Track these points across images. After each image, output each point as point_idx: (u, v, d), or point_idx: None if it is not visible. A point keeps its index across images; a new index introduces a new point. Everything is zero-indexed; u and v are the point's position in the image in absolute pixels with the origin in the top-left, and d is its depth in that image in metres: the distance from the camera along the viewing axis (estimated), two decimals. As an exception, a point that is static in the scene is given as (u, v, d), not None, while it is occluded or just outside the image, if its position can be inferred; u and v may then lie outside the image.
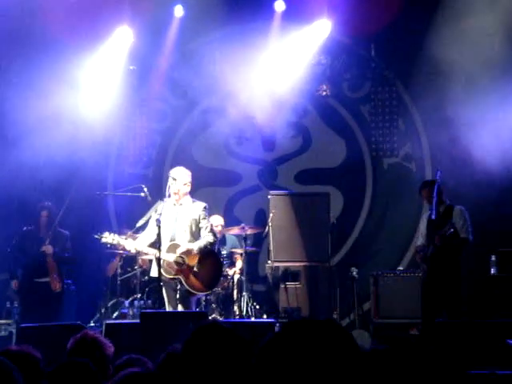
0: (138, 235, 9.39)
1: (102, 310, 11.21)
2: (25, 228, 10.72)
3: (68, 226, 10.81)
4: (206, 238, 8.93)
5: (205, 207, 9.07)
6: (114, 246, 9.53)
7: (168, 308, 8.87)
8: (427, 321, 9.29)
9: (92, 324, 10.90)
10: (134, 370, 3.48)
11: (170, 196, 8.99)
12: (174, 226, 8.94)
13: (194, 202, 9.09)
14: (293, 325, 2.16)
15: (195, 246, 8.87)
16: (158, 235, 8.69)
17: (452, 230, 9.37)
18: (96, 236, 9.18)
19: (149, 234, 8.99)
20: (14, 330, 10.42)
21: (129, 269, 11.40)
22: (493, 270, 10.53)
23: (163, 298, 8.98)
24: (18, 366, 3.48)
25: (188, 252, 8.83)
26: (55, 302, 10.50)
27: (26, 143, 11.06)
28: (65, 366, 3.72)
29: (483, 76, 11.20)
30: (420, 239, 9.75)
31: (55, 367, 3.71)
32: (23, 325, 9.28)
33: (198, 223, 8.99)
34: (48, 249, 10.42)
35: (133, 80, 12.61)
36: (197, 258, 8.84)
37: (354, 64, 12.66)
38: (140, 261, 10.77)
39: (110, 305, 11.20)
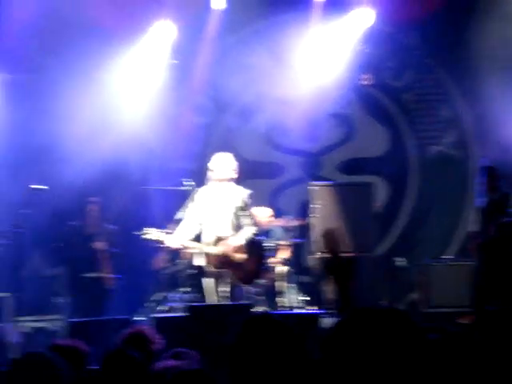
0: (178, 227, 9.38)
1: (149, 304, 11.26)
2: (72, 223, 10.84)
3: (114, 220, 10.90)
4: (249, 229, 8.90)
5: (250, 194, 9.02)
6: (157, 242, 9.55)
7: (212, 301, 8.85)
8: (480, 310, 9.19)
9: (139, 318, 10.95)
10: (173, 363, 3.50)
11: (208, 181, 8.97)
12: (217, 214, 8.91)
13: (238, 188, 9.06)
14: (357, 313, 2.14)
15: (242, 240, 8.85)
16: (202, 228, 8.71)
17: (509, 219, 9.23)
18: (138, 233, 9.22)
19: (188, 226, 8.94)
20: (63, 325, 10.54)
21: (175, 262, 11.44)
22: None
23: (207, 291, 8.97)
24: (66, 360, 3.52)
25: (236, 247, 8.83)
26: (104, 296, 10.62)
27: (73, 145, 11.18)
28: (113, 358, 3.74)
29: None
30: (473, 226, 9.63)
31: (104, 359, 3.74)
32: (72, 319, 9.40)
33: (241, 211, 8.96)
34: (99, 245, 10.53)
35: (175, 74, 12.64)
36: (241, 250, 8.83)
37: (396, 52, 12.56)
38: (185, 254, 10.79)
39: (157, 299, 11.26)
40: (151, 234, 9.00)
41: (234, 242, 8.80)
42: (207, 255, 8.76)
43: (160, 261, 11.53)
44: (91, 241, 10.64)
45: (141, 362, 3.81)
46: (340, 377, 2.06)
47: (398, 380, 2.03)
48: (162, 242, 9.36)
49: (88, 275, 10.45)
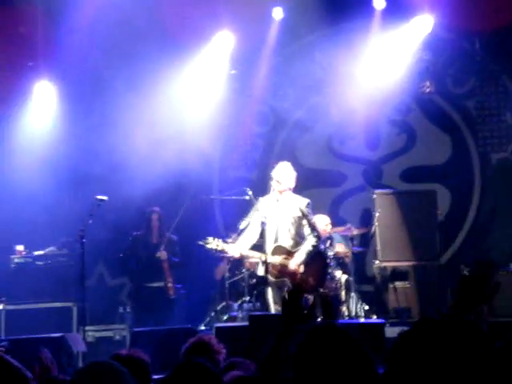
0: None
1: (212, 314, 11.31)
2: (135, 233, 10.97)
3: (176, 230, 10.98)
4: (310, 240, 8.89)
5: (308, 203, 9.00)
6: (219, 252, 9.59)
7: (274, 310, 8.86)
8: None
9: (202, 327, 11.00)
10: (237, 374, 3.49)
11: (272, 191, 8.99)
12: (278, 223, 8.92)
13: (296, 197, 9.05)
14: (423, 323, 2.11)
15: (303, 256, 8.83)
16: (264, 238, 8.73)
17: None
18: (200, 242, 9.26)
19: (251, 235, 8.98)
20: (127, 335, 10.64)
21: (237, 272, 11.47)
22: None
23: (269, 300, 8.98)
24: (128, 370, 3.53)
25: (299, 265, 8.83)
26: (168, 306, 10.70)
27: (135, 155, 11.33)
28: (184, 367, 3.74)
29: None
30: None
31: (174, 368, 3.74)
32: (136, 329, 9.47)
33: (301, 220, 8.94)
34: (163, 254, 10.64)
35: (234, 84, 12.70)
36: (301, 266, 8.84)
37: (457, 59, 12.41)
38: (247, 263, 10.83)
39: (219, 308, 11.30)
40: (213, 243, 9.04)
41: (295, 263, 8.81)
42: (267, 265, 8.76)
43: (222, 271, 11.57)
44: (154, 251, 10.74)
45: (214, 371, 3.80)
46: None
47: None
48: (223, 252, 9.40)
49: (151, 285, 10.54)
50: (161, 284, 10.68)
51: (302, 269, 8.85)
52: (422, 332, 2.10)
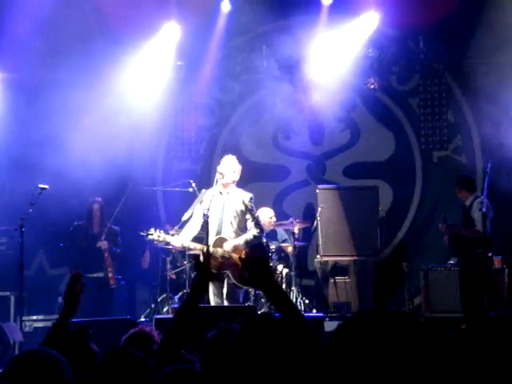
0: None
1: (152, 305, 11.27)
2: (76, 223, 10.86)
3: (119, 221, 10.91)
4: (252, 231, 8.90)
5: (251, 198, 9.00)
6: (161, 243, 9.56)
7: (213, 303, 8.85)
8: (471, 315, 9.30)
9: (142, 319, 10.96)
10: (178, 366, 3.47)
11: (216, 183, 8.98)
12: (221, 216, 8.91)
13: (240, 191, 9.05)
14: (364, 315, 2.12)
15: (241, 241, 8.84)
16: (206, 230, 8.71)
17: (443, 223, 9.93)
18: (142, 233, 9.24)
19: (193, 227, 8.96)
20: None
21: (178, 264, 11.45)
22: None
23: (209, 293, 8.96)
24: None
25: (235, 247, 8.82)
26: (108, 296, 10.62)
27: (79, 145, 11.21)
28: (113, 355, 3.72)
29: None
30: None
31: (106, 356, 3.72)
32: (75, 320, 9.38)
33: (244, 214, 8.95)
34: (104, 244, 10.56)
35: (181, 76, 12.67)
36: (243, 252, 8.82)
37: (402, 56, 12.52)
38: (188, 256, 10.82)
39: (159, 300, 11.26)
40: (154, 234, 9.01)
41: (231, 244, 8.79)
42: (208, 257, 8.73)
43: (146, 260, 11.59)
44: (95, 241, 10.64)
45: (143, 359, 3.78)
46: (343, 375, 2.06)
47: (401, 378, 2.02)
48: (166, 243, 9.38)
49: (91, 275, 10.44)
50: (100, 274, 10.59)
51: (239, 256, 8.82)
52: (362, 321, 2.12)
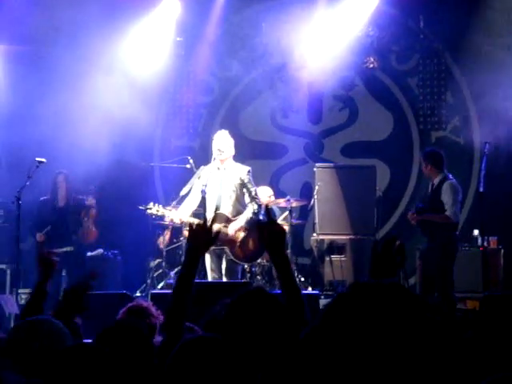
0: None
1: (148, 281, 11.29)
2: (42, 198, 10.62)
3: (117, 196, 10.89)
4: (251, 207, 8.90)
5: (249, 171, 8.97)
6: (159, 217, 9.56)
7: (211, 278, 8.87)
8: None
9: (138, 294, 10.98)
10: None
11: (214, 160, 8.97)
12: (219, 192, 8.91)
13: (237, 165, 9.04)
14: (359, 286, 2.12)
15: (243, 221, 8.82)
16: (204, 205, 8.71)
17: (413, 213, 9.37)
18: (141, 207, 9.24)
19: (192, 202, 8.96)
20: (60, 299, 10.50)
21: (174, 239, 11.46)
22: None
23: (206, 268, 8.99)
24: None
25: (239, 230, 8.81)
26: (80, 270, 10.31)
27: (77, 121, 11.19)
28: (114, 329, 3.72)
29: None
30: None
31: (103, 330, 3.72)
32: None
33: (242, 188, 8.94)
34: (89, 200, 10.38)
35: (180, 51, 12.62)
36: (243, 229, 8.82)
37: (402, 36, 12.48)
38: (185, 231, 10.80)
39: (155, 275, 11.28)
40: (153, 208, 9.02)
41: (234, 228, 8.79)
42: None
43: (166, 239, 11.54)
44: (62, 214, 10.46)
45: (145, 333, 3.79)
46: (336, 347, 2.05)
47: (396, 352, 2.02)
48: (164, 218, 9.38)
49: (61, 250, 10.16)
50: (69, 248, 10.35)
51: (241, 235, 8.84)
52: (357, 293, 2.12)
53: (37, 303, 4.39)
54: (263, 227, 3.62)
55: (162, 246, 11.53)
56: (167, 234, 11.52)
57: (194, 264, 3.67)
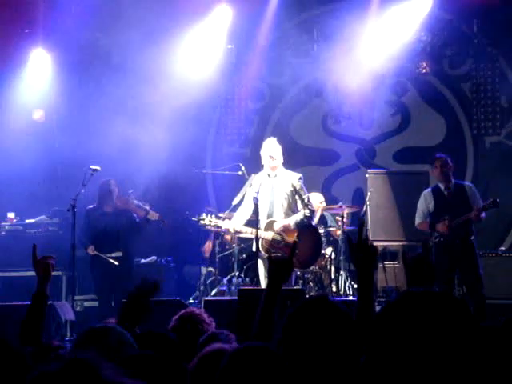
0: (234, 213, 9.44)
1: (201, 288, 11.33)
2: (88, 207, 10.52)
3: (170, 203, 10.94)
4: (302, 211, 8.90)
5: (300, 178, 9.00)
6: (212, 227, 9.60)
7: (264, 285, 8.88)
8: None
9: (191, 301, 11.03)
10: (217, 346, 3.47)
11: (264, 167, 8.99)
12: (271, 199, 8.93)
13: (288, 172, 9.05)
14: (409, 295, 2.11)
15: (291, 221, 8.85)
16: (256, 213, 8.73)
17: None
18: (194, 218, 9.30)
19: (245, 211, 9.01)
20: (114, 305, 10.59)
21: (227, 247, 11.50)
22: None
23: (259, 275, 9.01)
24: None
25: (286, 228, 8.83)
26: (126, 274, 10.23)
27: (130, 127, 11.29)
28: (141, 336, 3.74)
29: None
30: None
31: (137, 334, 3.75)
32: (124, 300, 9.41)
33: (294, 195, 8.94)
34: (153, 215, 10.29)
35: (231, 59, 12.67)
36: (295, 234, 8.82)
37: (455, 40, 12.37)
38: (226, 237, 10.86)
39: (208, 282, 11.32)
40: (206, 219, 9.08)
41: (280, 224, 8.81)
42: (261, 240, 8.79)
43: (209, 248, 11.58)
44: (110, 220, 10.37)
45: (175, 341, 3.79)
46: (389, 359, 2.05)
47: (447, 364, 2.01)
48: (217, 227, 9.43)
49: (110, 255, 10.16)
50: (119, 254, 10.33)
51: (292, 238, 8.81)
52: (406, 302, 2.11)
53: (38, 308, 4.38)
54: (356, 247, 3.62)
55: (206, 255, 11.58)
56: (209, 243, 11.57)
57: (276, 293, 3.70)
